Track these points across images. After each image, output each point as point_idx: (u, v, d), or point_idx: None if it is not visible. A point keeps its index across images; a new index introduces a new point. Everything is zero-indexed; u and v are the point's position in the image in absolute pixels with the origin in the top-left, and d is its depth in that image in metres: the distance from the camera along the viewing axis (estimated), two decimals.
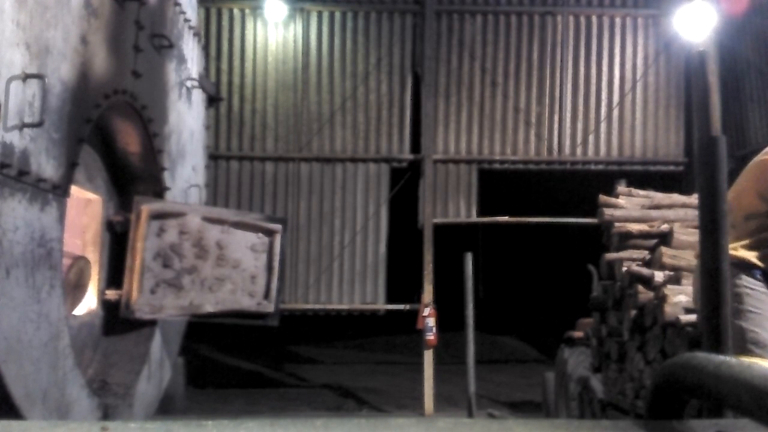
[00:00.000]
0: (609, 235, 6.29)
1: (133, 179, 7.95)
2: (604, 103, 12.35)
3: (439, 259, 11.90)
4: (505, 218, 12.36)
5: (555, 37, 12.38)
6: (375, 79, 12.31)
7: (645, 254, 5.77)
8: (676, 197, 6.65)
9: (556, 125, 12.33)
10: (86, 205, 7.43)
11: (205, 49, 11.39)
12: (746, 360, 1.51)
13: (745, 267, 3.51)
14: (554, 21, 12.41)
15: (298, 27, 12.35)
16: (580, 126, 12.33)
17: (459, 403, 11.42)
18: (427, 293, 11.67)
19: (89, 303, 7.26)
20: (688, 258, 5.07)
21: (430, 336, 11.42)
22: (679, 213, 6.19)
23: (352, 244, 12.08)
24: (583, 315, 8.44)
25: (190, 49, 9.29)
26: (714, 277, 2.67)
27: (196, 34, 9.51)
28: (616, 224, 6.18)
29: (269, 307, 8.05)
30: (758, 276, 3.53)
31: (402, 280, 12.53)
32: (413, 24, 12.38)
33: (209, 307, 7.69)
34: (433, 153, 12.16)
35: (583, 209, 10.51)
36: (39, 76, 5.07)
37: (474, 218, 12.26)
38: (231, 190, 12.09)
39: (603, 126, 12.32)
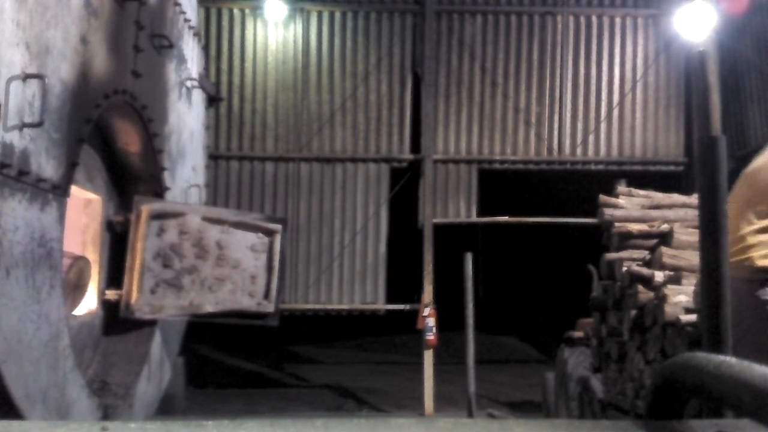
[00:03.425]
0: (609, 235, 6.29)
1: (133, 179, 7.95)
2: (604, 103, 12.35)
3: (439, 259, 11.89)
4: (505, 218, 12.36)
5: (555, 37, 12.38)
6: (375, 79, 12.31)
7: (645, 254, 5.77)
8: (676, 197, 6.65)
9: (556, 125, 12.33)
10: (86, 205, 7.43)
11: (205, 49, 11.39)
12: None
13: None
14: (554, 21, 12.41)
15: (298, 27, 12.35)
16: (580, 126, 12.33)
17: (459, 403, 11.42)
18: (427, 293, 11.66)
19: (89, 303, 7.25)
20: (688, 258, 5.07)
21: (430, 336, 11.42)
22: (679, 213, 6.19)
23: (352, 244, 12.07)
24: (583, 315, 8.44)
25: (190, 49, 9.29)
26: (714, 277, 2.67)
27: (196, 34, 9.51)
28: (616, 224, 6.18)
29: (269, 307, 8.06)
30: None
31: (402, 280, 12.53)
32: (413, 24, 12.38)
33: (209, 307, 7.69)
34: (433, 153, 12.16)
35: (583, 209, 10.52)
36: (39, 76, 5.07)
37: (474, 218, 12.26)
38: (231, 190, 12.09)
39: (603, 126, 12.32)
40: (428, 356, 11.49)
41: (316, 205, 12.11)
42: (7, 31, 4.74)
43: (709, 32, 10.90)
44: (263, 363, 16.72)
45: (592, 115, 12.33)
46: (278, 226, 8.25)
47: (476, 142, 12.31)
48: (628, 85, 12.37)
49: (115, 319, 7.46)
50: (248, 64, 12.30)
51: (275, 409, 11.27)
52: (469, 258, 10.53)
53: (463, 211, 12.20)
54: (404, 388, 13.17)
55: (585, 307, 6.97)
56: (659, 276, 5.16)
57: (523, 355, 19.86)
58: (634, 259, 5.81)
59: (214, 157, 11.81)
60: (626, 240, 6.05)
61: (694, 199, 5.87)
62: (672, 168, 12.38)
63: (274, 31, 12.34)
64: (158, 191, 8.09)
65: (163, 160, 8.15)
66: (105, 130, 7.43)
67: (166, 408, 8.91)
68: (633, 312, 5.34)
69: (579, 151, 12.30)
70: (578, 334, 8.50)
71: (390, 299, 12.15)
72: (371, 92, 12.31)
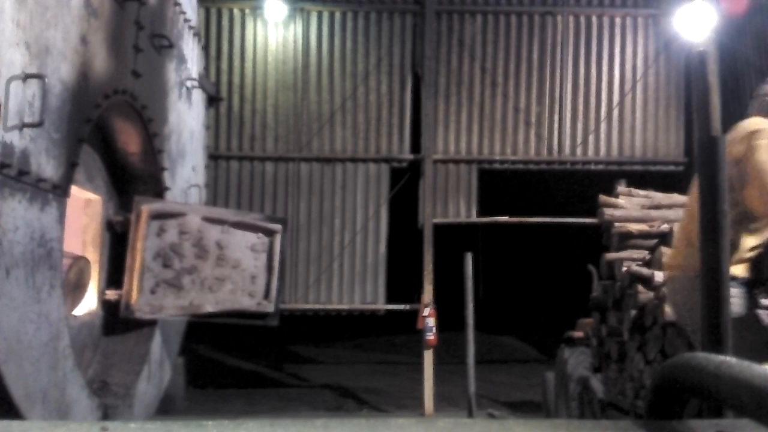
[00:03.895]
0: (609, 235, 6.29)
1: (133, 179, 7.95)
2: (604, 103, 12.35)
3: (439, 259, 11.89)
4: (505, 218, 12.35)
5: (555, 37, 12.37)
6: (375, 79, 12.31)
7: (645, 254, 5.77)
8: (676, 197, 6.66)
9: (556, 125, 12.32)
10: (86, 205, 7.43)
11: (205, 49, 11.39)
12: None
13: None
14: (554, 21, 12.41)
15: (298, 27, 12.35)
16: (580, 126, 12.32)
17: (459, 403, 11.41)
18: (427, 293, 11.66)
19: (89, 303, 7.26)
20: None
21: (430, 336, 11.42)
22: (679, 213, 6.18)
23: (352, 244, 12.07)
24: (583, 315, 8.44)
25: (190, 49, 9.29)
26: (714, 277, 2.67)
27: (196, 34, 9.51)
28: (616, 224, 6.19)
29: (269, 307, 8.06)
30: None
31: (402, 280, 12.52)
32: (413, 24, 12.38)
33: (209, 307, 7.69)
34: (433, 153, 12.15)
35: (583, 209, 10.52)
36: (39, 76, 5.07)
37: (474, 218, 12.25)
38: (231, 190, 12.08)
39: (603, 126, 12.32)
40: (428, 356, 11.48)
41: (316, 205, 12.11)
42: (7, 31, 4.74)
43: (709, 32, 10.90)
44: (263, 363, 16.72)
45: (592, 115, 12.33)
46: (278, 226, 8.25)
47: (476, 142, 12.31)
48: (628, 85, 12.37)
49: (115, 319, 7.46)
50: (248, 64, 12.29)
51: (275, 409, 11.26)
52: (469, 258, 10.52)
53: (463, 211, 12.19)
54: (404, 388, 13.16)
55: (585, 307, 6.97)
56: (659, 276, 5.16)
57: (523, 355, 19.85)
58: (634, 259, 5.82)
59: (214, 157, 11.81)
60: (626, 240, 6.06)
61: None
62: (672, 168, 12.38)
63: (274, 31, 12.34)
64: (158, 191, 8.09)
65: (163, 160, 8.15)
66: (105, 130, 7.43)
67: (166, 408, 8.91)
68: (633, 312, 5.34)
69: (579, 151, 12.29)
70: (578, 334, 8.50)
71: (390, 299, 12.15)
72: (371, 92, 12.31)
